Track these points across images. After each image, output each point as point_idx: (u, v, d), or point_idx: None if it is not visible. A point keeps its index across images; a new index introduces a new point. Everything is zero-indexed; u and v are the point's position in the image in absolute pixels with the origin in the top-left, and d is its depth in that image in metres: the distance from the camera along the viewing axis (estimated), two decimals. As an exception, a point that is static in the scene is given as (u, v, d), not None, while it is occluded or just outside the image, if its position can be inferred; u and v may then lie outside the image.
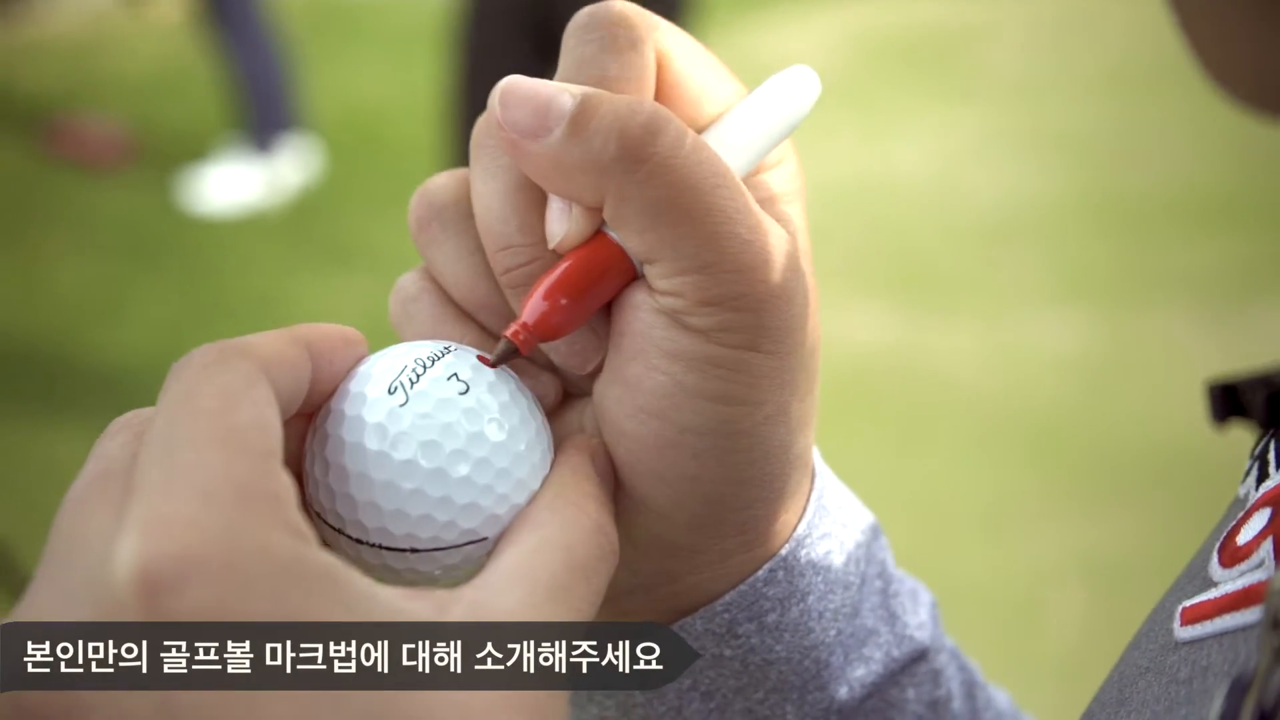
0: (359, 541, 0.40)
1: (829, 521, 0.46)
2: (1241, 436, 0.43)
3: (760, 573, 0.44)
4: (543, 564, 0.37)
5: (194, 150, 3.86)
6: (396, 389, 0.40)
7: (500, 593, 0.36)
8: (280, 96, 3.76)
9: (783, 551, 0.45)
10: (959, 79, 4.19)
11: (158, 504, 0.32)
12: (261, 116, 3.73)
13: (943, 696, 0.50)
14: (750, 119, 0.43)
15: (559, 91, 0.40)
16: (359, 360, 0.41)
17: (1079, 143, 3.85)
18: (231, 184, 3.73)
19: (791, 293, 0.41)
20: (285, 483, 0.34)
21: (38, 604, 0.33)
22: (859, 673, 0.47)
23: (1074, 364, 3.07)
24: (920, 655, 0.49)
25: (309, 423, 0.41)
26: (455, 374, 0.41)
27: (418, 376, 0.40)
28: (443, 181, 0.44)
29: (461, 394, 0.40)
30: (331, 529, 0.40)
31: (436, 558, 0.40)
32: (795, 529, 0.45)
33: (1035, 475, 2.79)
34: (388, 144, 3.97)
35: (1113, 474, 2.77)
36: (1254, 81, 0.33)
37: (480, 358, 0.42)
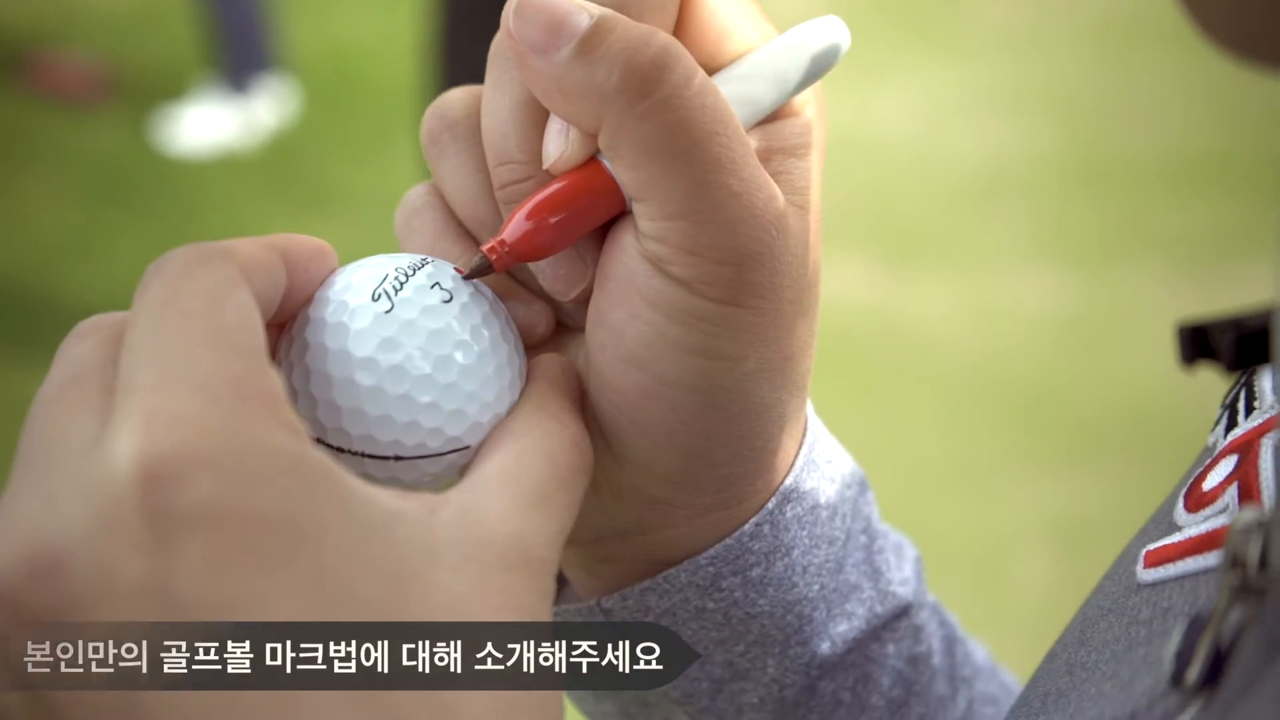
0: (340, 450, 0.39)
1: (817, 476, 0.46)
2: (1216, 398, 0.43)
3: (746, 527, 0.44)
4: (528, 470, 0.37)
5: (171, 88, 3.83)
6: (381, 296, 0.40)
7: (488, 496, 0.36)
8: (258, 37, 3.73)
9: (769, 505, 0.44)
10: (943, 34, 4.18)
11: (155, 400, 0.32)
12: (238, 57, 3.70)
13: (923, 652, 0.50)
14: (769, 65, 0.42)
15: (577, 9, 0.39)
16: (330, 271, 0.41)
17: (1063, 101, 3.84)
18: (207, 124, 3.70)
19: (776, 250, 0.40)
20: (277, 381, 0.34)
21: (19, 508, 0.32)
22: (841, 628, 0.47)
23: (1053, 323, 3.08)
24: (903, 611, 0.49)
25: (279, 333, 0.41)
26: (438, 283, 0.41)
27: (400, 285, 0.40)
28: (458, 95, 0.44)
29: (445, 302, 0.40)
30: (310, 439, 0.39)
31: (419, 465, 0.40)
32: (783, 483, 0.44)
33: (1012, 434, 2.80)
34: (367, 87, 3.95)
35: (1089, 433, 2.78)
36: (1232, 27, 0.32)
37: (458, 269, 0.42)
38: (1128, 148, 3.63)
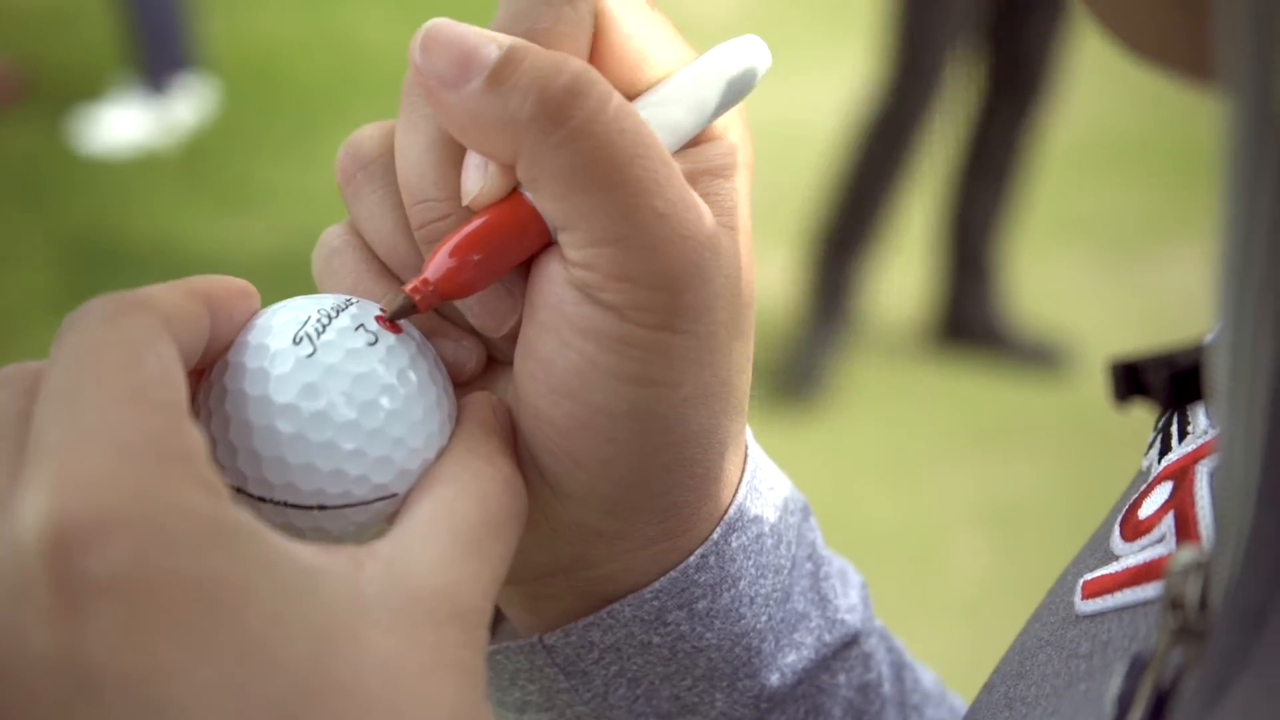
0: (261, 500, 0.38)
1: (760, 503, 0.45)
2: None
3: (691, 559, 0.43)
4: (459, 517, 0.36)
5: (87, 88, 3.78)
6: (302, 339, 0.38)
7: (416, 547, 0.34)
8: (175, 36, 3.68)
9: (714, 536, 0.43)
10: (865, 24, 4.19)
11: (67, 460, 0.30)
12: (156, 56, 3.65)
13: (873, 680, 0.49)
14: (690, 87, 0.41)
15: (486, 41, 0.38)
16: (253, 313, 0.39)
17: (985, 89, 3.86)
18: (125, 124, 3.65)
19: (709, 272, 0.39)
20: (197, 438, 0.32)
21: None
22: (790, 659, 0.46)
23: (978, 310, 3.09)
24: (852, 639, 0.48)
25: (199, 380, 0.39)
26: (362, 325, 0.39)
27: (323, 327, 0.39)
28: (370, 133, 0.43)
29: (370, 345, 0.39)
30: (231, 488, 0.38)
31: (345, 515, 0.38)
32: (726, 513, 0.44)
33: (940, 421, 2.81)
34: (288, 85, 3.91)
35: (1017, 420, 2.80)
36: (1142, 32, 0.32)
37: (383, 310, 0.40)
38: (1050, 134, 3.67)
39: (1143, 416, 0.43)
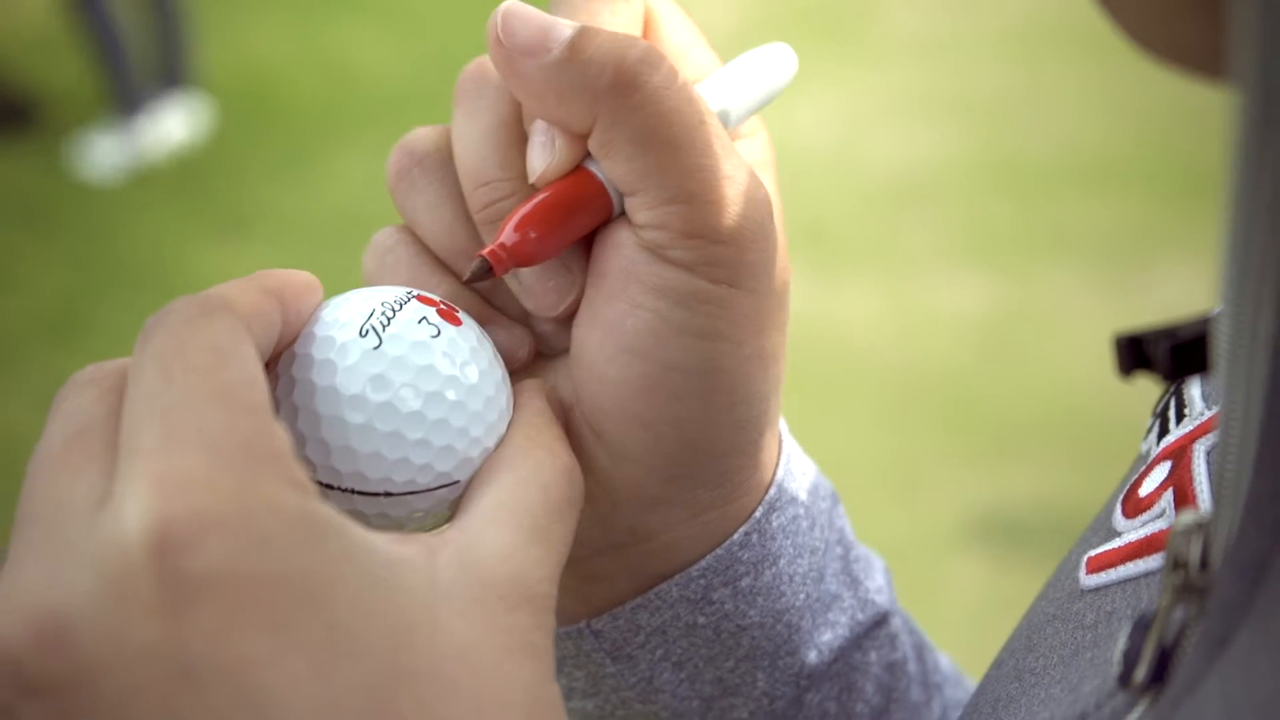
0: (329, 487, 0.39)
1: (795, 486, 0.47)
2: (1139, 396, 0.44)
3: (735, 536, 0.45)
4: (522, 504, 0.37)
5: (81, 114, 3.79)
6: (368, 332, 0.40)
7: (484, 534, 0.36)
8: (123, 58, 3.67)
9: (756, 514, 0.45)
10: (859, 41, 4.21)
11: (163, 462, 0.32)
12: (122, 78, 3.65)
13: (899, 659, 0.51)
14: (726, 87, 0.44)
15: (559, 21, 0.41)
16: (318, 305, 0.41)
17: (979, 105, 3.89)
18: (119, 148, 3.65)
19: (769, 231, 0.42)
20: (283, 438, 0.34)
21: (24, 573, 0.32)
22: (826, 637, 0.48)
23: (975, 325, 3.11)
24: (881, 619, 0.50)
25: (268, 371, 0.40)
26: (425, 318, 0.41)
27: (388, 320, 0.40)
28: (424, 132, 0.45)
29: (434, 338, 0.40)
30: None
31: (409, 502, 0.40)
32: (767, 492, 0.46)
33: (937, 435, 2.82)
34: (281, 107, 3.92)
35: (1014, 433, 2.81)
36: (1167, 38, 0.34)
37: (443, 303, 0.42)
38: (1041, 151, 3.68)
39: (1139, 425, 0.45)
